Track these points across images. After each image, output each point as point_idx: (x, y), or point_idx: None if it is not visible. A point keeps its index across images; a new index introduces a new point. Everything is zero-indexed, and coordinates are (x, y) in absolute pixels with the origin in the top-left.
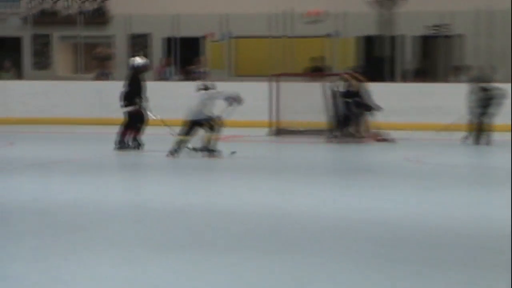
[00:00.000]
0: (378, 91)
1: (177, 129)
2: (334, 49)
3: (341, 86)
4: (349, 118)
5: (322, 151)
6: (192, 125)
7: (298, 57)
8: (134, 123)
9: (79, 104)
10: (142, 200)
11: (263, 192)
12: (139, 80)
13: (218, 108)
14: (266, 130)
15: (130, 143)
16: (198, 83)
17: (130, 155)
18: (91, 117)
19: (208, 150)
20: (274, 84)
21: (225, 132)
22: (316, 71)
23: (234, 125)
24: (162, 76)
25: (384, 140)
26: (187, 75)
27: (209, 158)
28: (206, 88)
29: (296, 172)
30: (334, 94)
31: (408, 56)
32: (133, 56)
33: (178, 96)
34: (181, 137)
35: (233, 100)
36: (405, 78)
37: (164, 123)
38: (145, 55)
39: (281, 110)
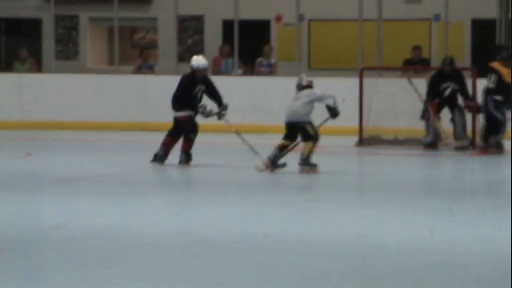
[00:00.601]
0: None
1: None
2: (442, 36)
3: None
4: (499, 123)
5: (434, 166)
6: (292, 128)
7: (396, 46)
8: (185, 132)
9: (113, 104)
10: (193, 227)
11: (350, 218)
12: (196, 83)
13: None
14: (354, 139)
15: (180, 156)
16: (301, 79)
17: (176, 170)
18: (130, 121)
19: (308, 164)
20: (364, 80)
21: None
22: (420, 64)
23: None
24: (220, 70)
25: None
26: (251, 68)
27: (308, 173)
28: (309, 86)
29: (394, 193)
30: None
31: None
32: (196, 54)
33: (243, 95)
34: (282, 142)
35: (335, 109)
36: None
37: (238, 134)
38: (197, 43)
39: (374, 113)
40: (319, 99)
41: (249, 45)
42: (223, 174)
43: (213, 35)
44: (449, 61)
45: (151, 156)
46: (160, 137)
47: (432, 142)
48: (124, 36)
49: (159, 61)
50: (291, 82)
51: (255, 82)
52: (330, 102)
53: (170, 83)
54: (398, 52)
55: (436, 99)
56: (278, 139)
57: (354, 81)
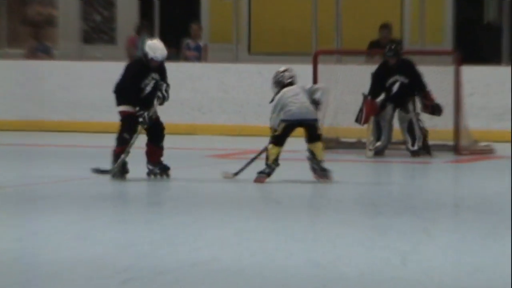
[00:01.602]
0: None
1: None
2: (417, 12)
3: None
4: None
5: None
6: (291, 129)
7: (359, 24)
8: (119, 131)
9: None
10: (102, 253)
11: (299, 242)
12: (148, 72)
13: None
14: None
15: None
16: (280, 74)
17: (92, 183)
18: (22, 119)
19: (322, 168)
20: (320, 68)
21: (238, 144)
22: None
23: (252, 132)
24: (136, 54)
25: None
26: (176, 52)
27: (322, 180)
28: (293, 84)
29: (355, 210)
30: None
31: None
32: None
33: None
34: (274, 148)
35: (319, 103)
36: None
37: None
38: (108, 19)
39: (332, 109)
40: (310, 91)
41: (173, 22)
42: (148, 187)
43: (127, 10)
44: (392, 51)
45: (50, 164)
46: (62, 138)
47: (382, 149)
48: (13, 10)
49: (59, 43)
50: (226, 69)
51: (180, 69)
52: (318, 95)
53: (72, 70)
54: (361, 33)
55: (376, 98)
56: (210, 141)
57: (306, 69)
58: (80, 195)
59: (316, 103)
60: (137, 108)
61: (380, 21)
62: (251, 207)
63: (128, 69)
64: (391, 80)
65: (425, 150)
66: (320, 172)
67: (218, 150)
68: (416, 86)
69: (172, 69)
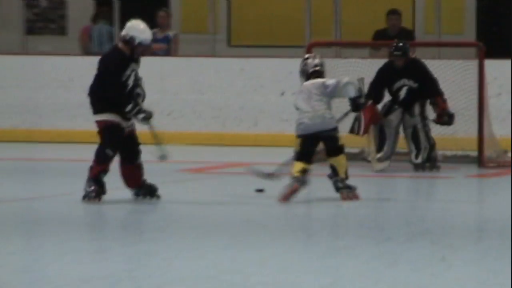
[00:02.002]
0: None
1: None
2: (430, 0)
3: None
4: None
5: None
6: (311, 143)
7: (362, 11)
8: (99, 147)
9: None
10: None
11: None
12: (128, 63)
13: None
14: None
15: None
16: (307, 61)
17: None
18: None
19: (346, 186)
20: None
21: (216, 155)
22: (398, 37)
23: (232, 141)
24: (92, 46)
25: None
26: None
27: (353, 199)
28: (320, 73)
29: (348, 235)
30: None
31: None
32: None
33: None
34: (302, 165)
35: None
36: None
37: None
38: (56, 6)
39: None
40: (335, 91)
41: (136, 9)
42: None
43: None
44: (400, 50)
45: None
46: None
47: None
48: None
49: None
50: (201, 65)
51: (145, 65)
52: (351, 92)
53: (13, 66)
54: (365, 21)
55: (378, 103)
56: (182, 152)
57: (298, 64)
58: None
59: (355, 103)
60: (130, 106)
61: (387, 7)
62: (231, 231)
63: (105, 64)
64: (397, 84)
65: (431, 163)
66: (346, 192)
67: (192, 163)
68: (428, 93)
69: None
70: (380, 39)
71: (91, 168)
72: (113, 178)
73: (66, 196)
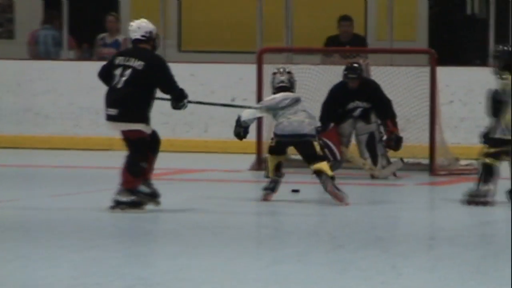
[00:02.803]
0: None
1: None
2: (384, 2)
3: None
4: None
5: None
6: (285, 143)
7: (313, 17)
8: (130, 157)
9: None
10: None
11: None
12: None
13: None
14: (248, 159)
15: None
16: (275, 76)
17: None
18: None
19: (337, 187)
20: (265, 69)
21: (166, 162)
22: (351, 44)
23: (182, 147)
24: (39, 51)
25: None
26: (90, 49)
27: (341, 201)
28: (287, 88)
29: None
30: None
31: None
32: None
33: (76, 91)
34: (270, 159)
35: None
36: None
37: None
38: (4, 8)
39: None
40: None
41: (86, 13)
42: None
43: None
44: (355, 72)
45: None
46: None
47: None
48: None
49: None
50: None
51: (95, 70)
52: (243, 115)
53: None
54: (317, 27)
55: (330, 126)
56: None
57: (249, 70)
58: None
59: (237, 124)
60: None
61: (339, 13)
62: (180, 238)
63: (159, 64)
64: (350, 106)
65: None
66: (336, 192)
67: None
68: (380, 115)
69: (85, 70)
70: (332, 45)
71: (127, 180)
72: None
73: (14, 202)
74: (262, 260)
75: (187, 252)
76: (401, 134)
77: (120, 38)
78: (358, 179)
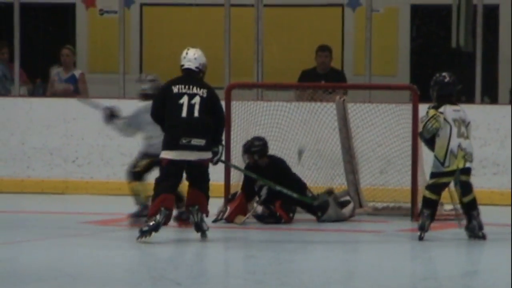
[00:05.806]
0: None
1: None
2: (362, 31)
3: None
4: None
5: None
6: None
7: (287, 48)
8: (199, 185)
9: None
10: None
11: None
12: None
13: None
14: (216, 203)
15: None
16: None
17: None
18: None
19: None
20: (234, 106)
21: (126, 206)
22: (327, 78)
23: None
24: None
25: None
26: (43, 84)
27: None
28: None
29: None
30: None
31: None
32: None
33: (29, 130)
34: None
35: None
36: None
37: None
38: None
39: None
40: None
41: (40, 44)
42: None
43: None
44: (259, 150)
45: None
46: None
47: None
48: None
49: None
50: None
51: (49, 108)
52: None
53: None
54: (290, 60)
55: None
56: (87, 202)
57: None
58: None
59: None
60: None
61: (314, 45)
62: None
63: (215, 98)
64: (258, 184)
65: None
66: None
67: (98, 215)
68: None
69: (38, 107)
70: (308, 79)
71: (205, 205)
72: None
73: None
74: None
75: None
76: (381, 176)
77: (76, 73)
78: (334, 225)
